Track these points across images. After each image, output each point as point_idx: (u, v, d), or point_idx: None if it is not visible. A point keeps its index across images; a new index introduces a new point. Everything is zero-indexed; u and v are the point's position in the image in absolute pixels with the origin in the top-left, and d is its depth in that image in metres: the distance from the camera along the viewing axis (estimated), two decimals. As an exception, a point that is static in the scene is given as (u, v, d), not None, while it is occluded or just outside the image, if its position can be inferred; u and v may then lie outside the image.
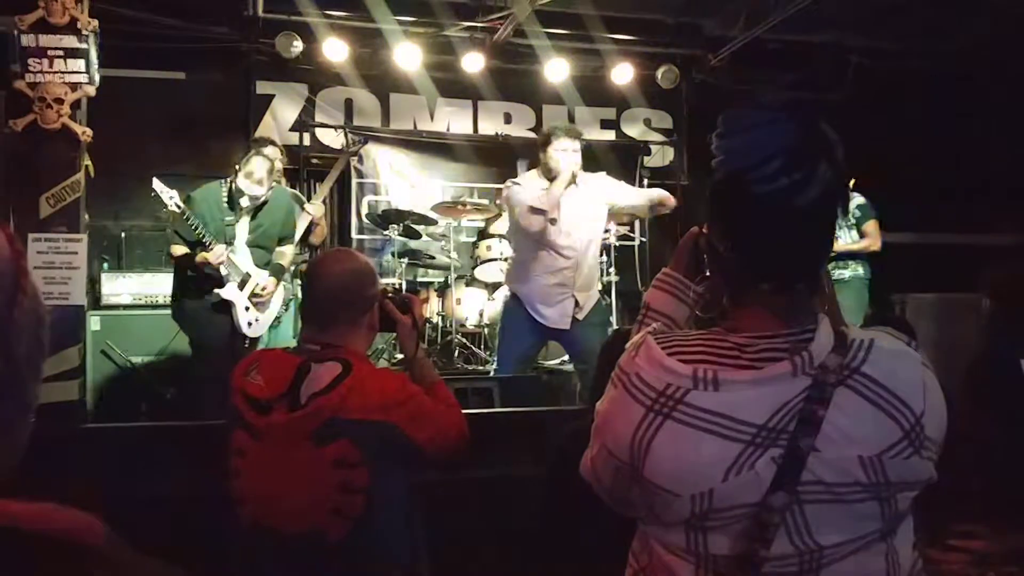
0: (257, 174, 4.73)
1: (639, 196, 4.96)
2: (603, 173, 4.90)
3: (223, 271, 4.68)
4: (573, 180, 4.58)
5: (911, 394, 1.17)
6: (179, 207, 4.63)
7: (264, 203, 4.85)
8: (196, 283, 4.79)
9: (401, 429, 2.10)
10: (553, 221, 4.52)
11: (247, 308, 4.79)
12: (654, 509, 1.20)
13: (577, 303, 4.65)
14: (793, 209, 1.17)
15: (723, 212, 1.26)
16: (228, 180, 4.83)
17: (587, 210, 4.67)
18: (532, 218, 4.51)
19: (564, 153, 4.56)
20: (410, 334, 2.46)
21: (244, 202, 4.74)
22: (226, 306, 4.75)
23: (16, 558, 0.66)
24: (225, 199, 4.79)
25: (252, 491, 2.13)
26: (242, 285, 4.76)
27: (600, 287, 6.35)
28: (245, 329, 4.79)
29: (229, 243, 4.73)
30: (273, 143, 5.60)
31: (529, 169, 5.11)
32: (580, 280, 4.66)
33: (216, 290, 4.72)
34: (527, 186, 4.64)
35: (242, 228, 4.82)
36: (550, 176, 4.59)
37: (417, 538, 2.21)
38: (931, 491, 1.20)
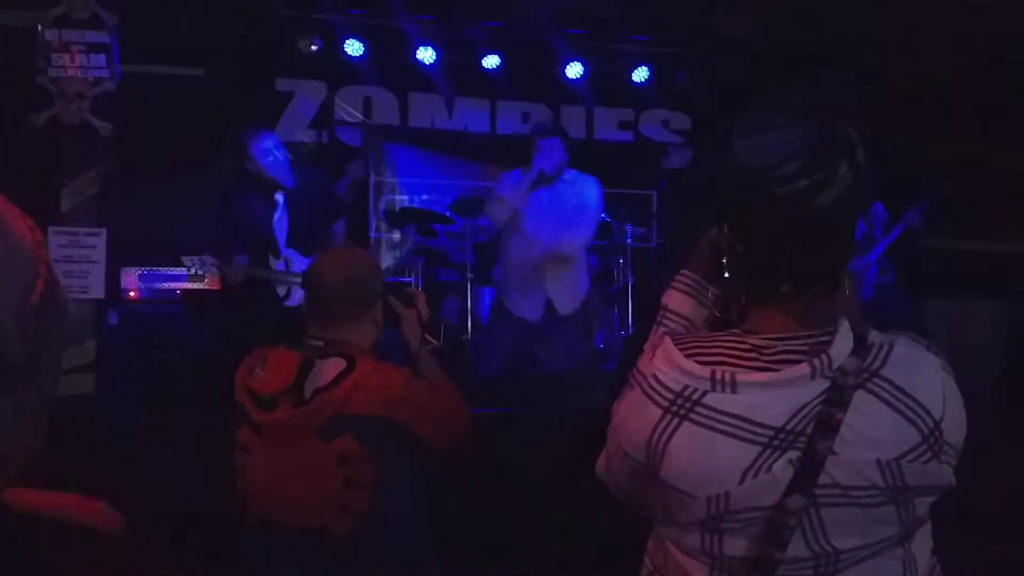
0: (276, 161, 4.57)
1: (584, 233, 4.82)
2: (595, 180, 4.79)
3: (278, 287, 4.54)
4: (544, 177, 4.59)
5: (931, 398, 1.16)
6: (216, 270, 4.51)
7: (295, 190, 4.65)
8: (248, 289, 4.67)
9: (406, 424, 2.10)
10: (515, 210, 4.59)
11: None
12: (669, 510, 1.20)
13: (551, 299, 4.67)
14: (813, 210, 1.15)
15: (742, 212, 1.25)
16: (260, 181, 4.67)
17: (563, 206, 4.67)
18: (494, 207, 4.64)
19: (534, 147, 4.61)
20: (414, 328, 2.45)
21: (279, 197, 4.61)
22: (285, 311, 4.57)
23: (37, 545, 0.67)
24: (258, 197, 4.64)
25: (258, 487, 2.13)
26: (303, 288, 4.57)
27: (601, 289, 6.38)
28: None
29: (273, 251, 4.57)
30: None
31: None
32: (553, 276, 4.68)
33: (286, 303, 4.56)
34: (514, 179, 4.69)
35: (281, 229, 4.64)
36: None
37: (425, 535, 2.21)
38: (950, 497, 1.19)
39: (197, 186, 5.89)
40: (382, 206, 7.34)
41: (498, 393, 4.15)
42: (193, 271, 4.55)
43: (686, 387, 1.17)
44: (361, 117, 7.45)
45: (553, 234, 4.67)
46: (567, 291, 4.76)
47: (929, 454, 1.14)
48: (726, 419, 1.14)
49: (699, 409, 1.15)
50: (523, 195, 4.56)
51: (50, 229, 4.11)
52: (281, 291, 4.58)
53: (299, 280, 4.53)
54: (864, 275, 5.60)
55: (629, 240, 6.54)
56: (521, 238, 4.66)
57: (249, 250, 4.56)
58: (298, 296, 4.53)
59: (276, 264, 4.59)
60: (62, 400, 0.78)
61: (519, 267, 4.69)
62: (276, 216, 4.63)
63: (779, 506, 1.12)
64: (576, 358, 4.75)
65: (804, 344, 1.17)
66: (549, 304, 4.68)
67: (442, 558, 2.24)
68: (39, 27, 4.17)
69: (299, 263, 4.61)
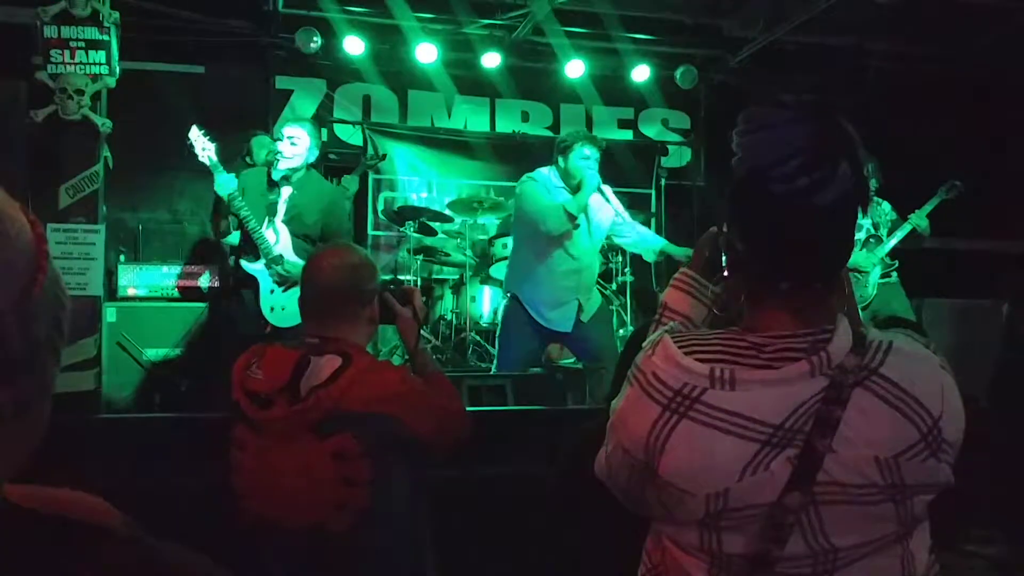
0: (286, 150, 4.51)
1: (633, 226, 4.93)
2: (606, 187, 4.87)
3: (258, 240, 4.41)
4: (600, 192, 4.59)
5: (929, 397, 1.16)
6: (212, 160, 4.39)
7: (299, 179, 4.57)
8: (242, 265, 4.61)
9: (402, 421, 2.10)
10: (576, 226, 4.55)
11: (271, 291, 4.46)
12: (668, 508, 1.20)
13: (581, 306, 4.69)
14: (812, 208, 1.16)
15: (742, 211, 1.25)
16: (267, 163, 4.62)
17: (596, 216, 4.71)
18: (561, 219, 4.47)
19: (587, 161, 4.53)
20: (410, 326, 2.45)
21: (278, 179, 4.53)
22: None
23: (36, 540, 0.67)
24: (266, 181, 4.57)
25: (254, 485, 2.13)
26: (270, 264, 4.42)
27: (602, 287, 6.38)
28: (266, 313, 4.44)
29: (269, 214, 4.48)
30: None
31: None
32: (584, 283, 4.71)
33: (242, 260, 4.47)
34: (545, 186, 4.63)
35: (281, 205, 4.54)
36: (570, 181, 4.58)
37: (422, 533, 2.21)
38: (950, 496, 1.19)
39: (196, 184, 5.89)
40: (380, 203, 7.34)
41: (499, 393, 4.14)
42: (197, 147, 4.41)
43: (685, 384, 1.17)
44: (360, 115, 7.44)
45: (591, 245, 4.73)
46: (591, 294, 4.78)
47: (927, 452, 1.15)
48: (725, 416, 1.14)
49: (698, 406, 1.15)
50: (584, 210, 4.55)
51: (48, 226, 4.11)
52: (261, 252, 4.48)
53: (274, 254, 4.45)
54: (868, 274, 5.61)
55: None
56: (562, 251, 4.62)
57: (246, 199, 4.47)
58: (261, 263, 4.46)
59: (265, 229, 4.46)
60: (61, 397, 0.78)
61: (561, 279, 4.64)
62: (278, 196, 4.56)
63: (778, 503, 1.12)
64: (605, 357, 4.74)
65: (803, 342, 1.17)
66: (579, 310, 4.68)
67: (442, 559, 2.24)
68: (39, 24, 4.16)
69: (284, 245, 4.50)
